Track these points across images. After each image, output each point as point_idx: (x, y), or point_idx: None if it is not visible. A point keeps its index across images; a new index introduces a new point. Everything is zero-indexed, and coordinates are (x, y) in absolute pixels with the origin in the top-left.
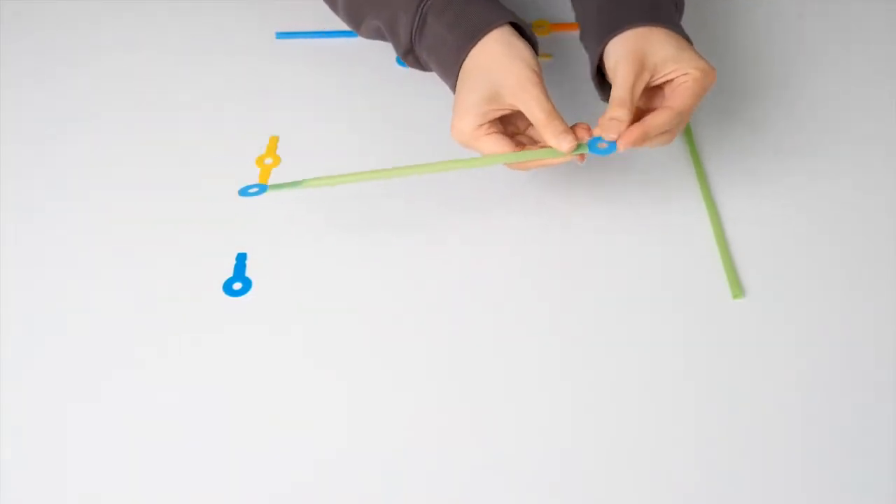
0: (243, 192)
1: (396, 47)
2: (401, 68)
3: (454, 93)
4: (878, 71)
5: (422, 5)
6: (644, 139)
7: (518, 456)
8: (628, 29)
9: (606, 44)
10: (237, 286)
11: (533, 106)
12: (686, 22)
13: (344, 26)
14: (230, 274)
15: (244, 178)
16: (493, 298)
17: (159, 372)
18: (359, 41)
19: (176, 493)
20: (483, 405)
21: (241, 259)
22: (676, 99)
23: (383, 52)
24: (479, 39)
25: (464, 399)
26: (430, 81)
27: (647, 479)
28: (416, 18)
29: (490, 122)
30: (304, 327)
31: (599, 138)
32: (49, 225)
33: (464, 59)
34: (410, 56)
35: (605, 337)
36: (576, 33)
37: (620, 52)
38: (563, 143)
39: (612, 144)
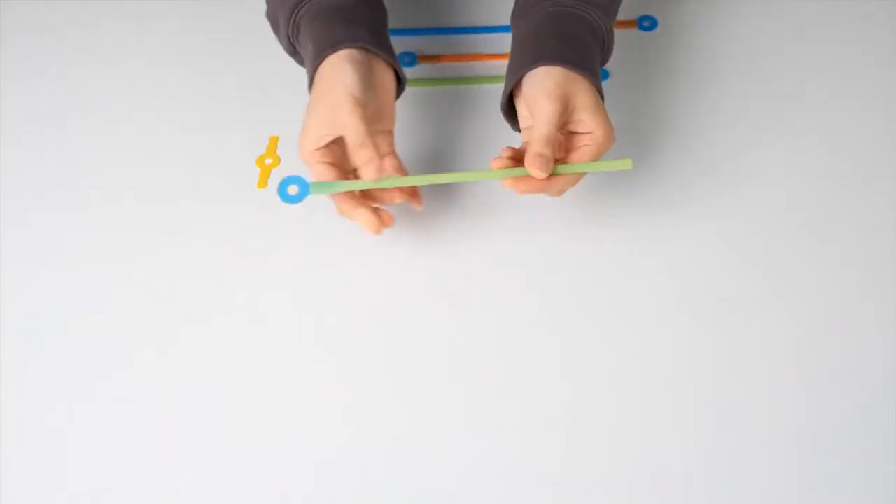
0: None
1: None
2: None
3: None
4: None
5: (294, 14)
6: (543, 191)
7: (519, 457)
8: (560, 66)
9: (532, 69)
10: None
11: (349, 132)
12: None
13: None
14: (229, 273)
15: (244, 178)
16: (493, 297)
17: (159, 373)
18: None
19: (176, 494)
20: (484, 405)
21: None
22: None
23: None
24: (322, 60)
25: (465, 399)
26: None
27: (648, 478)
28: (291, 25)
29: (324, 147)
30: (304, 327)
31: (290, 181)
32: (48, 225)
33: (313, 77)
34: (297, 56)
35: (605, 336)
36: None
37: (547, 85)
38: (370, 173)
39: (305, 188)
